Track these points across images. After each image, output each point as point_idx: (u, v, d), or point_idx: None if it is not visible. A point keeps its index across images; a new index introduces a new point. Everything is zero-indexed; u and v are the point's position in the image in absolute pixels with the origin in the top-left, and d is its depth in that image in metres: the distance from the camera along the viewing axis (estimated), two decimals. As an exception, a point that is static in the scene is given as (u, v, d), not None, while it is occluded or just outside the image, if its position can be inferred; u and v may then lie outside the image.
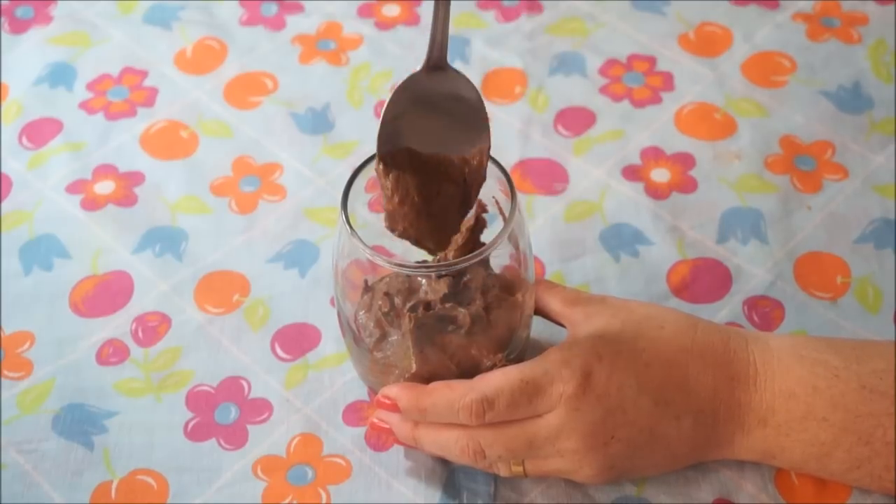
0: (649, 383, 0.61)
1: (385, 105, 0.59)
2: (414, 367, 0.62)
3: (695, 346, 0.62)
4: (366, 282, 0.65)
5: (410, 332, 0.62)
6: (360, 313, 0.65)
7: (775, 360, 0.61)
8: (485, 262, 0.64)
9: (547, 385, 0.60)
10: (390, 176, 0.61)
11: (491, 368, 0.63)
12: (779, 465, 0.63)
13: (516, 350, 0.64)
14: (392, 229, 0.62)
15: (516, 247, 0.63)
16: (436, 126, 0.61)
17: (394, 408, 0.62)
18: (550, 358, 0.61)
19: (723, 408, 0.61)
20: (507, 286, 0.65)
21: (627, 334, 0.62)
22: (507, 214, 0.62)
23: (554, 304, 0.65)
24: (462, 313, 0.62)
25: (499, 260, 0.65)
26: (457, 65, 0.87)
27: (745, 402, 0.61)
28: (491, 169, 0.63)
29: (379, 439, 0.66)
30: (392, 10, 0.94)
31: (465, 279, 0.63)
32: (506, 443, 0.61)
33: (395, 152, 0.61)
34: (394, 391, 0.62)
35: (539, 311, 0.66)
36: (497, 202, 0.65)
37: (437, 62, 0.59)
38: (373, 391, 0.68)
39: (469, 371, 0.62)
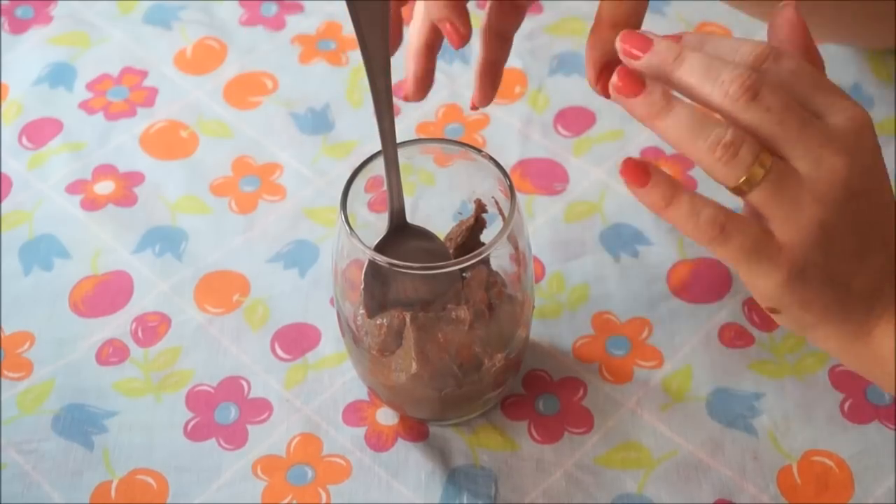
0: None
1: (363, 277, 0.62)
2: (414, 368, 0.62)
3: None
4: None
5: (410, 331, 0.62)
6: (360, 313, 0.65)
7: None
8: (485, 262, 0.64)
9: (837, 97, 0.53)
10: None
11: (492, 369, 0.63)
12: None
13: (516, 350, 0.64)
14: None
15: (516, 247, 0.63)
16: (413, 277, 0.62)
17: (644, 43, 0.53)
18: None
19: None
20: (508, 285, 0.65)
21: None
22: (506, 214, 0.62)
23: None
24: (463, 311, 0.62)
25: (499, 260, 0.65)
26: (457, 65, 0.88)
27: None
28: (491, 169, 0.63)
29: (379, 440, 0.67)
30: (392, 11, 0.94)
31: (466, 278, 0.63)
32: (788, 103, 0.51)
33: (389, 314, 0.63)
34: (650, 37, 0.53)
35: None
36: (497, 202, 0.65)
37: (398, 223, 0.63)
38: (373, 391, 0.68)
39: (471, 371, 0.62)
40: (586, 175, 0.81)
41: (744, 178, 0.51)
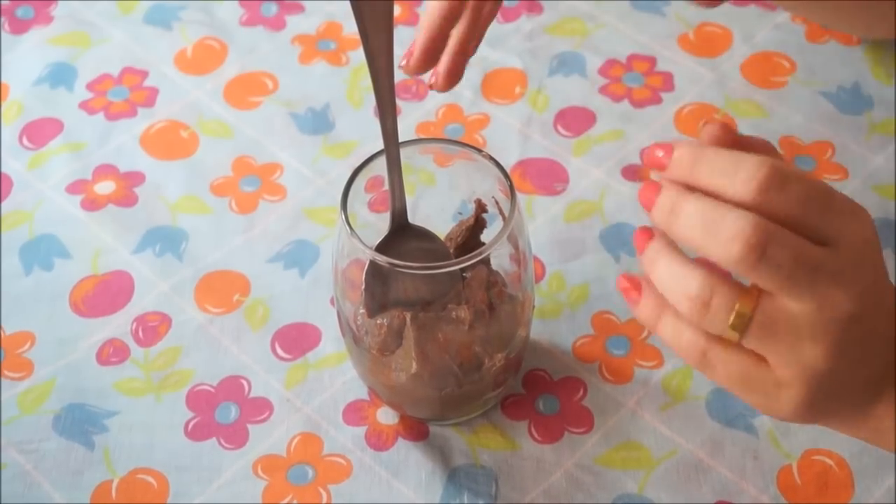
0: None
1: (364, 277, 0.62)
2: (414, 367, 0.62)
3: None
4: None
5: (410, 331, 0.62)
6: (361, 313, 0.65)
7: None
8: (485, 261, 0.64)
9: (848, 211, 0.48)
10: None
11: (492, 369, 0.63)
12: None
13: (516, 349, 0.65)
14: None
15: (516, 247, 0.63)
16: (414, 277, 0.62)
17: (660, 163, 0.49)
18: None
19: None
20: (508, 285, 0.65)
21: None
22: (506, 214, 0.62)
23: None
24: (463, 311, 0.62)
25: (499, 260, 0.65)
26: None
27: None
28: (491, 169, 0.63)
29: (379, 439, 0.67)
30: (392, 11, 0.94)
31: (466, 278, 0.63)
32: (798, 254, 0.46)
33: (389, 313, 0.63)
34: (672, 146, 0.49)
35: None
36: (497, 202, 0.65)
37: (399, 223, 0.63)
38: (373, 391, 0.68)
39: (471, 371, 0.62)
40: (586, 175, 0.81)
41: (725, 330, 0.48)
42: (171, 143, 0.84)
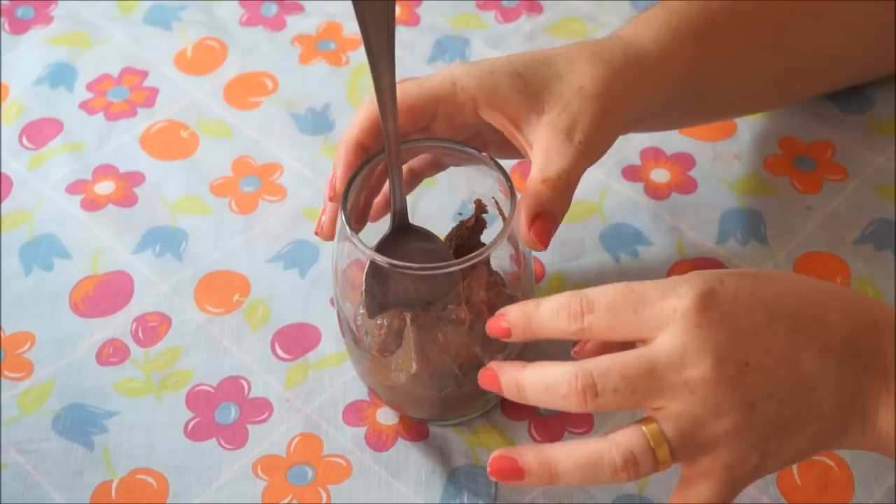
0: (782, 312, 0.52)
1: (364, 278, 0.62)
2: (414, 368, 0.62)
3: (834, 288, 0.56)
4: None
5: (410, 331, 0.62)
6: (361, 313, 0.65)
7: None
8: (485, 262, 0.64)
9: (657, 298, 0.52)
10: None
11: None
12: None
13: (516, 350, 0.65)
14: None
15: (516, 247, 0.63)
16: (414, 278, 0.62)
17: (504, 332, 0.57)
18: (663, 280, 0.54)
19: (869, 352, 0.53)
20: (508, 285, 0.65)
21: (753, 272, 0.55)
22: (506, 215, 0.62)
23: None
24: (463, 311, 0.62)
25: (499, 260, 0.65)
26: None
27: (892, 354, 0.53)
28: (491, 169, 0.63)
29: (379, 439, 0.67)
30: (392, 11, 0.94)
31: (466, 279, 0.63)
32: (622, 369, 0.51)
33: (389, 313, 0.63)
34: (504, 309, 0.57)
35: None
36: (497, 202, 0.65)
37: (400, 223, 0.63)
38: (373, 391, 0.68)
39: (471, 371, 0.62)
40: (586, 175, 0.80)
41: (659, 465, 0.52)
42: (171, 143, 0.84)
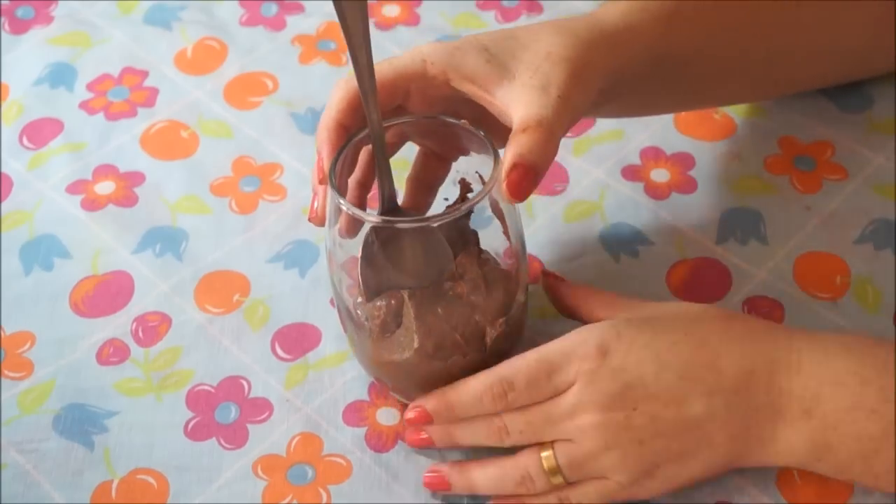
0: (674, 360, 0.59)
1: (359, 262, 0.63)
2: (417, 341, 0.62)
3: (730, 328, 0.60)
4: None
5: (409, 307, 0.62)
6: (359, 301, 0.65)
7: (821, 350, 0.59)
8: (476, 242, 0.65)
9: (564, 363, 0.60)
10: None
11: (493, 335, 0.63)
12: (823, 470, 0.60)
13: (515, 315, 0.64)
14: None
15: (509, 239, 0.63)
16: (409, 258, 0.63)
17: (424, 416, 0.63)
18: (569, 338, 0.61)
19: (761, 392, 0.59)
20: (501, 262, 0.65)
21: (653, 313, 0.62)
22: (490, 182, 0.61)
23: (593, 309, 0.66)
24: (459, 286, 0.62)
25: (490, 241, 0.65)
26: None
27: (787, 389, 0.58)
28: (470, 136, 0.63)
29: (380, 440, 0.67)
30: (392, 11, 0.94)
31: (458, 257, 0.63)
32: (527, 418, 0.61)
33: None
34: (419, 400, 0.63)
35: (572, 313, 0.67)
36: (481, 178, 0.65)
37: (389, 208, 0.64)
38: (379, 381, 0.68)
39: (474, 340, 0.62)
40: (586, 175, 0.81)
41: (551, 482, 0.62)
42: (171, 143, 0.84)
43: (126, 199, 0.80)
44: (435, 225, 0.61)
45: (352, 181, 0.65)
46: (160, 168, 0.82)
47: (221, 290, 0.75)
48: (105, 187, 0.81)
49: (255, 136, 0.84)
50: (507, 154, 0.59)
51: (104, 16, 0.94)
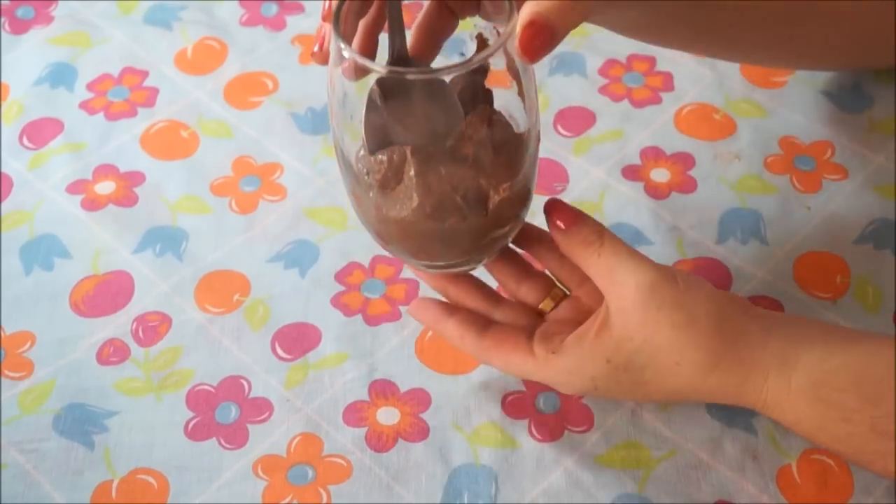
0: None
1: (364, 115, 0.60)
2: (416, 199, 0.60)
3: (706, 386, 0.61)
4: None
5: (411, 163, 0.60)
6: (361, 155, 0.63)
7: (787, 402, 0.60)
8: (489, 100, 0.62)
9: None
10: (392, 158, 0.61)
11: (496, 199, 0.61)
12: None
13: (521, 182, 0.62)
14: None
15: (515, 75, 0.61)
16: (416, 113, 0.60)
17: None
18: (558, 366, 0.62)
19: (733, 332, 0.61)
20: (513, 124, 0.63)
21: (637, 362, 0.61)
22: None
23: (586, 263, 0.63)
24: (466, 146, 0.60)
25: (503, 102, 0.63)
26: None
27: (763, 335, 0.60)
28: None
29: (380, 440, 0.67)
30: (392, 11, 0.94)
31: (468, 115, 0.61)
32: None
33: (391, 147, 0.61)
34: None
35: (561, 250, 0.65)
36: (498, 33, 0.62)
37: (398, 57, 0.61)
38: (377, 235, 0.65)
39: (476, 204, 0.60)
40: (586, 175, 0.81)
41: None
42: (171, 143, 0.84)
43: (126, 199, 0.80)
44: (446, 78, 0.58)
45: (361, 24, 0.62)
46: (160, 168, 0.82)
47: (221, 289, 0.75)
48: (105, 187, 0.81)
49: (255, 136, 0.84)
50: (525, 9, 0.57)
51: (104, 16, 0.94)
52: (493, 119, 0.62)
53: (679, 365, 0.60)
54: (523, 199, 0.64)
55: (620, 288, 0.60)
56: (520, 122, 0.63)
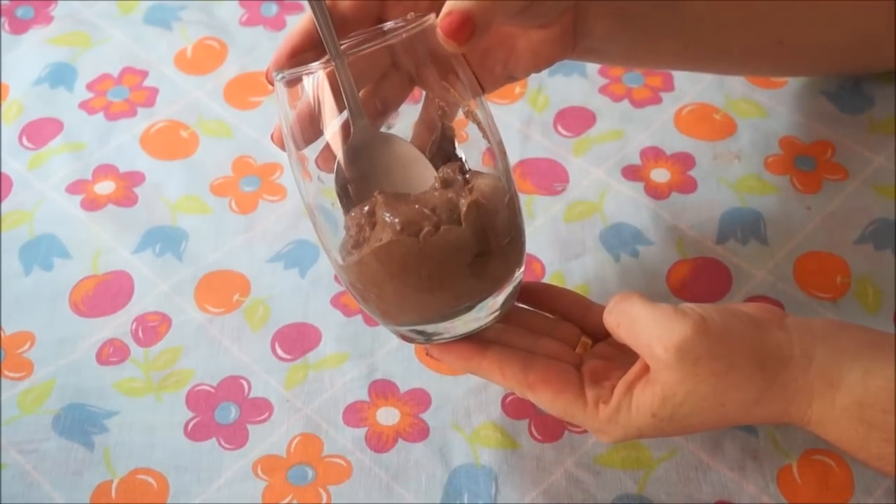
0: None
1: (335, 177, 0.62)
2: (388, 221, 0.59)
3: (750, 417, 0.60)
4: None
5: (379, 199, 0.60)
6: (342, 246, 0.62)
7: (831, 421, 0.59)
8: (458, 157, 0.62)
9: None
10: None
11: (467, 205, 0.59)
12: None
13: (490, 187, 0.61)
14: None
15: (489, 140, 0.62)
16: (388, 174, 0.61)
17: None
18: (606, 416, 0.60)
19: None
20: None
21: (682, 412, 0.59)
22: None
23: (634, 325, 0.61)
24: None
25: (473, 163, 0.63)
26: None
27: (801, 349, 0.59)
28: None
29: (380, 440, 0.67)
30: (392, 11, 0.94)
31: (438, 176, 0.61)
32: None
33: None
34: None
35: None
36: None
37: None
38: (359, 299, 0.63)
39: (448, 213, 0.59)
40: (586, 175, 0.81)
41: None
42: (171, 143, 0.84)
43: (126, 199, 0.80)
44: (348, 56, 0.59)
45: (286, 46, 0.63)
46: (160, 168, 0.82)
47: (221, 289, 0.75)
48: (105, 187, 0.81)
49: (255, 136, 0.84)
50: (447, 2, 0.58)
51: (104, 16, 0.94)
52: (466, 169, 0.62)
53: (724, 406, 0.59)
54: (497, 205, 0.61)
55: (650, 351, 0.58)
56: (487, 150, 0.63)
